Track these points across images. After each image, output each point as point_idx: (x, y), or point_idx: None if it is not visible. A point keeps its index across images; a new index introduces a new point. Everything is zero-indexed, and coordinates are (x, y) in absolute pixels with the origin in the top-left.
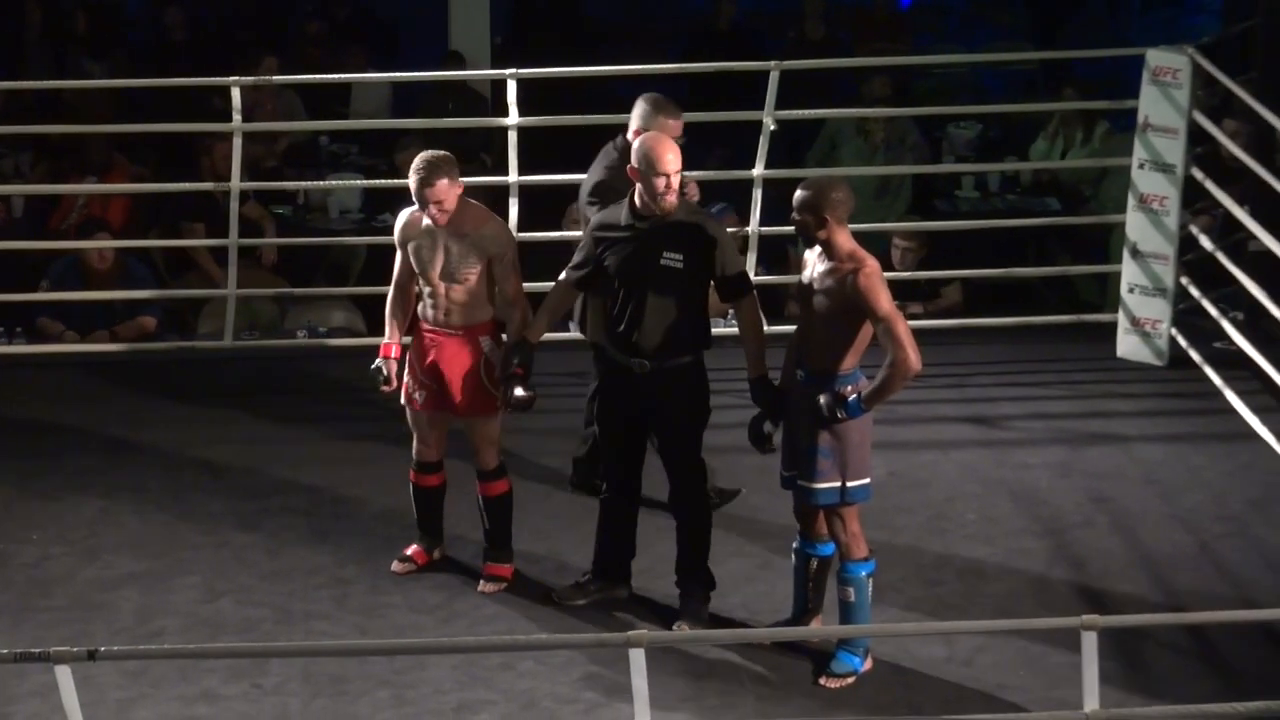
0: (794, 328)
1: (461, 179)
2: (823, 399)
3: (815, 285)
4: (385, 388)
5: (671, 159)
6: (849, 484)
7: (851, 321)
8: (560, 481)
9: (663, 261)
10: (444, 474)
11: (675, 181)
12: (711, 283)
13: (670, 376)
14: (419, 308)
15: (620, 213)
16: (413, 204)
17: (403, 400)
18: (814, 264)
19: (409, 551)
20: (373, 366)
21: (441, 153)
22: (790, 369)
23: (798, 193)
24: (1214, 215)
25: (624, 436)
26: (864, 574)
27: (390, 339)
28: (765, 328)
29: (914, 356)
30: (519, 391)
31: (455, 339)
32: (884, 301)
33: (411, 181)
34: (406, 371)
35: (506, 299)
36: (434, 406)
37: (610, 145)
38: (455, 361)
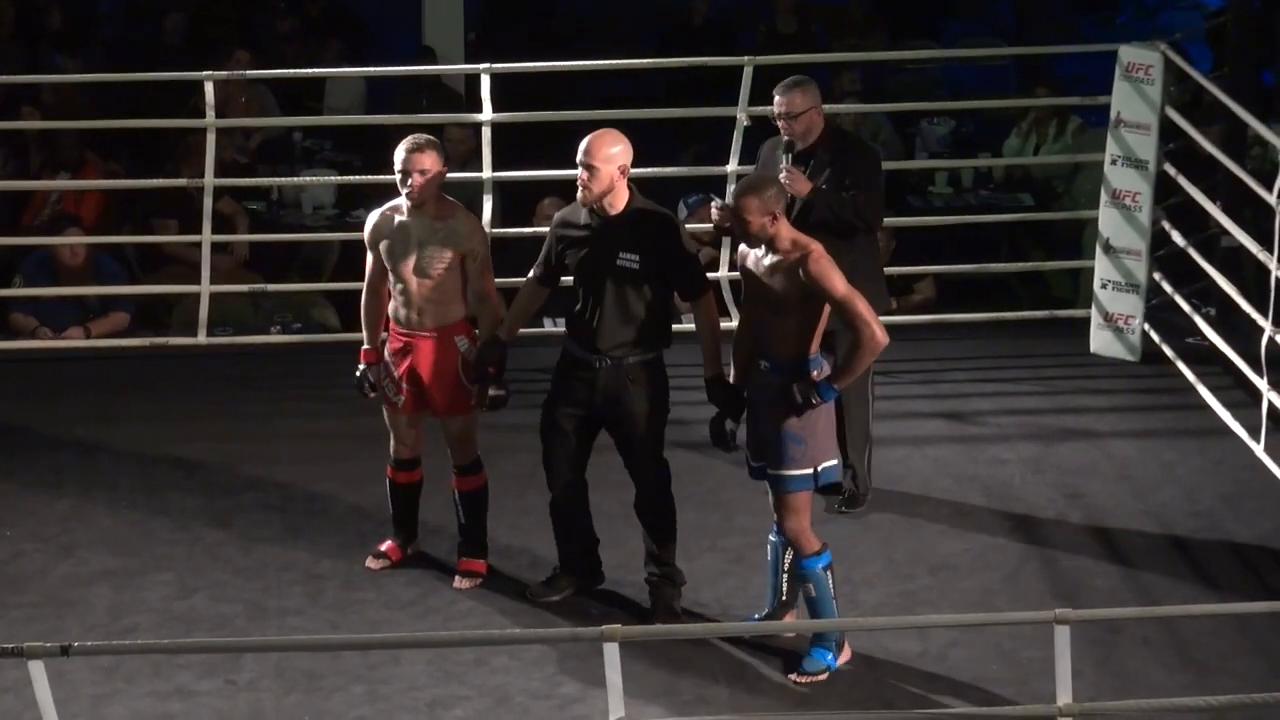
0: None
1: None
2: (796, 387)
3: (765, 278)
4: (370, 394)
5: (586, 149)
6: (820, 467)
7: (809, 308)
8: (533, 477)
9: (618, 262)
10: (421, 470)
11: (583, 175)
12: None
13: (628, 374)
14: (391, 308)
15: (580, 211)
16: (379, 205)
17: (380, 401)
18: (756, 258)
19: (383, 547)
20: (357, 374)
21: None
22: (740, 364)
23: (740, 200)
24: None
25: (576, 430)
26: (820, 567)
27: (369, 344)
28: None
29: (879, 330)
30: (492, 391)
31: (430, 340)
32: (838, 283)
33: (400, 152)
34: (384, 373)
35: (479, 295)
36: (413, 408)
37: None
38: (432, 364)
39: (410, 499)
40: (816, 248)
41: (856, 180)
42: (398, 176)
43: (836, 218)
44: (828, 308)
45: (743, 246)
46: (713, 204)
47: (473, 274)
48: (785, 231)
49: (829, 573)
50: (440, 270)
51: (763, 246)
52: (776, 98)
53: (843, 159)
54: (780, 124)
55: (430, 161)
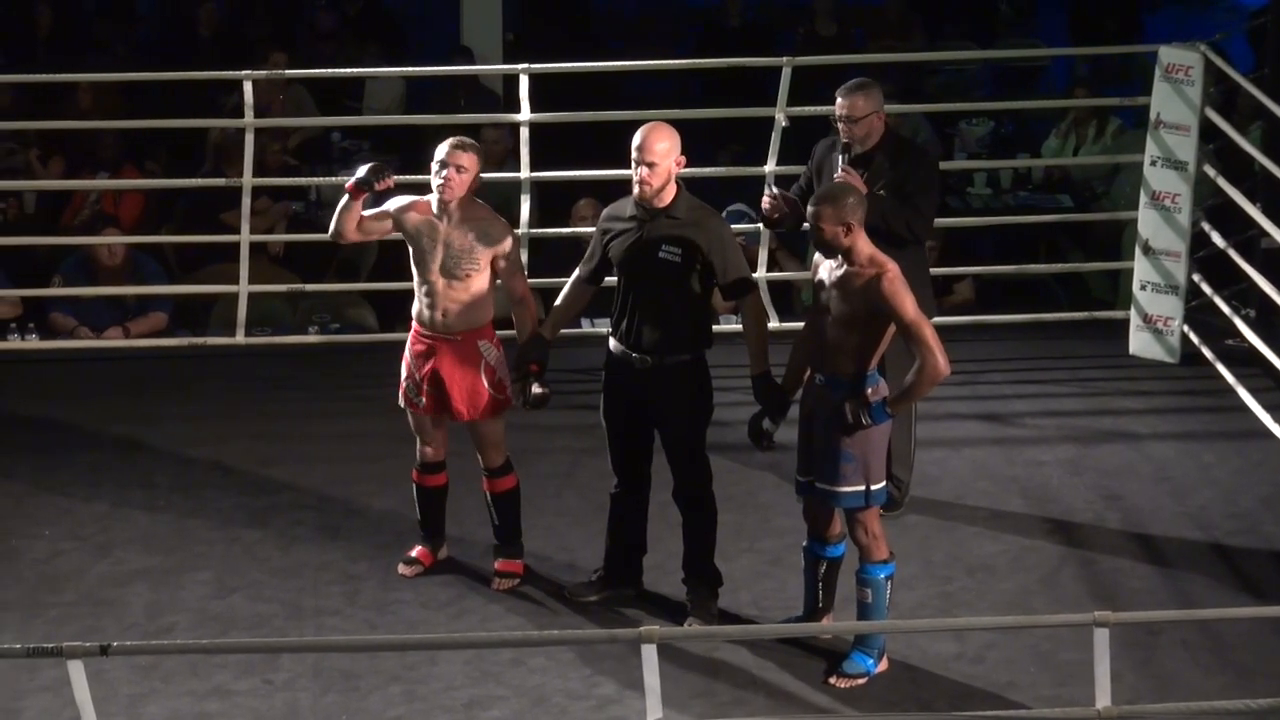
0: (803, 327)
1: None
2: (848, 405)
3: (834, 291)
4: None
5: (641, 144)
6: (873, 487)
7: (874, 326)
8: (569, 478)
9: (661, 254)
10: (446, 474)
11: (643, 172)
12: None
13: (671, 373)
14: (415, 309)
15: (626, 204)
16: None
17: (401, 403)
18: (830, 269)
19: (414, 553)
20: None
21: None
22: (795, 369)
23: (817, 206)
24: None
25: (628, 430)
26: (883, 576)
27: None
28: (777, 323)
29: (943, 360)
30: (535, 389)
31: (454, 344)
32: (909, 306)
33: (443, 146)
34: (405, 376)
35: (514, 297)
36: (436, 410)
37: None
38: (456, 369)
39: (438, 502)
40: (893, 267)
41: (915, 188)
42: (434, 168)
43: (888, 226)
44: (891, 329)
45: (817, 255)
46: (765, 194)
47: (504, 276)
48: (863, 246)
49: (889, 583)
50: (468, 272)
51: (838, 258)
52: (839, 99)
53: (901, 165)
54: (840, 126)
55: (469, 161)
